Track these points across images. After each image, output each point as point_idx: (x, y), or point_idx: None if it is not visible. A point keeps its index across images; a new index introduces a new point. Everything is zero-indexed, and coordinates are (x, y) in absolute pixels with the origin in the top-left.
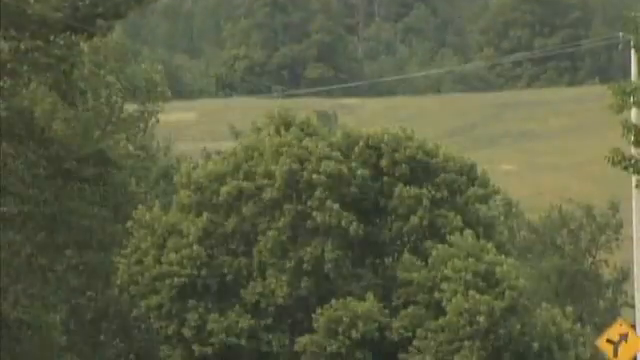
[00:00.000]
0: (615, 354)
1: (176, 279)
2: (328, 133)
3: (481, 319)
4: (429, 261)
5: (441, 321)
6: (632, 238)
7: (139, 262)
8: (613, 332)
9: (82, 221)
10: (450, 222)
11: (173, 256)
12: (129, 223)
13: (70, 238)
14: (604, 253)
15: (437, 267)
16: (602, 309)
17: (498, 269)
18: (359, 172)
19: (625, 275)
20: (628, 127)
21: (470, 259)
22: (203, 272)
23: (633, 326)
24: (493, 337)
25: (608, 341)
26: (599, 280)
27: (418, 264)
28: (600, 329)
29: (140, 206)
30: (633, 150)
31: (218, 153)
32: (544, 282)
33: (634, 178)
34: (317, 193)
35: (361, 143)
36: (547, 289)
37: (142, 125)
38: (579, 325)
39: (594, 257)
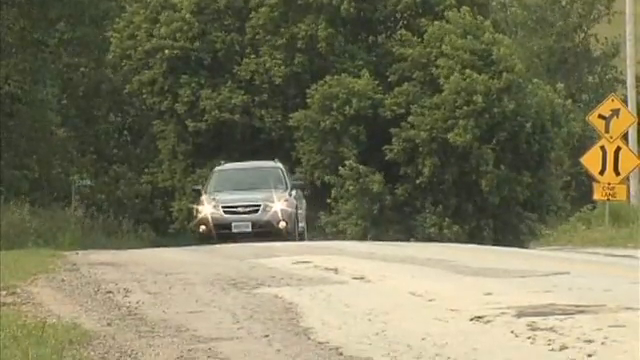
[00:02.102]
0: (607, 130)
1: (168, 51)
2: None
3: (478, 98)
4: (425, 38)
5: (436, 99)
6: (624, 12)
7: (132, 36)
8: (605, 108)
9: None
10: (442, 2)
11: (166, 29)
12: None
13: (63, 12)
14: (594, 28)
15: (433, 43)
16: (591, 85)
17: (495, 49)
18: None
19: (615, 50)
20: None
21: (468, 37)
22: (196, 45)
23: (624, 102)
24: (488, 116)
25: (600, 117)
26: (589, 56)
27: (414, 40)
28: (589, 105)
29: None
30: None
31: None
32: (535, 59)
33: None
34: None
35: None
36: (538, 66)
37: None
38: (570, 101)
39: (585, 32)
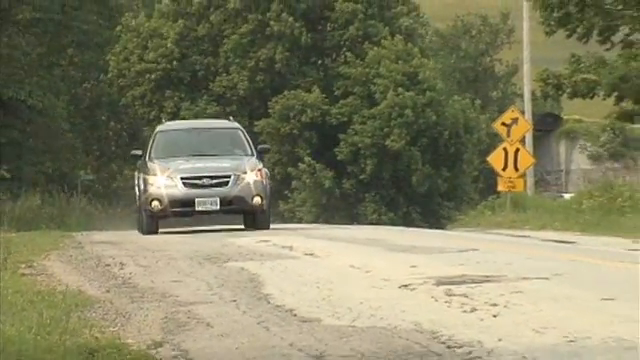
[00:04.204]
0: (508, 134)
1: (155, 73)
2: None
3: (408, 111)
4: (365, 61)
5: (374, 110)
6: (522, 41)
7: (126, 59)
8: (507, 117)
9: (82, 26)
10: (380, 31)
11: (153, 54)
12: (118, 27)
13: (72, 40)
14: (498, 54)
15: (372, 66)
16: (496, 98)
17: (421, 71)
18: None
19: (515, 70)
20: None
21: (399, 61)
22: (178, 66)
23: (522, 112)
24: (415, 125)
25: (503, 124)
26: (494, 75)
27: (356, 62)
28: (494, 116)
29: (128, 14)
30: None
31: None
32: (450, 78)
33: None
34: (274, 6)
35: None
36: (453, 84)
37: None
38: (483, 116)
39: (491, 56)
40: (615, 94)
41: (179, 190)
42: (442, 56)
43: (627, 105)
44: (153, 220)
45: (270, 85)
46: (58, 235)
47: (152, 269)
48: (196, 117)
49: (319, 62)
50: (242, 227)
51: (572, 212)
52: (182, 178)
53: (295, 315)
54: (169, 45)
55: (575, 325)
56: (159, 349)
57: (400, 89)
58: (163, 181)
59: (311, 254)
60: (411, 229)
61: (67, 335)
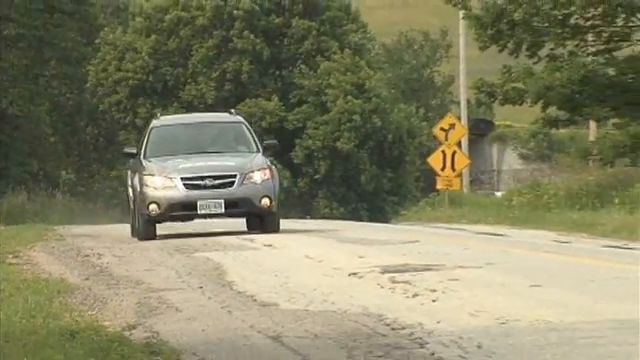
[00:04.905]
0: (446, 138)
1: (130, 82)
2: None
3: (356, 117)
4: (317, 72)
5: (326, 117)
6: (459, 55)
7: (104, 70)
8: (445, 122)
9: (63, 43)
10: (331, 46)
11: (129, 65)
12: (98, 41)
13: (54, 54)
14: (437, 66)
15: (324, 77)
16: (435, 106)
17: (368, 82)
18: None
19: (452, 80)
20: None
21: (348, 73)
22: (151, 76)
23: (458, 118)
24: (363, 130)
25: (441, 129)
26: (433, 85)
27: (309, 74)
28: (434, 122)
29: (106, 29)
30: None
31: None
32: (395, 88)
33: (461, 13)
34: (237, 24)
35: None
36: (398, 93)
37: None
38: (425, 123)
39: (430, 68)
40: (541, 102)
41: (179, 192)
42: (387, 68)
43: (552, 112)
44: (150, 225)
45: (235, 94)
46: (42, 229)
47: (127, 259)
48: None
49: (277, 73)
50: (245, 230)
51: (503, 208)
52: (182, 179)
53: (255, 300)
54: (143, 57)
55: (506, 309)
56: (133, 331)
57: (349, 97)
58: (161, 182)
59: (270, 245)
60: (360, 223)
61: (50, 318)
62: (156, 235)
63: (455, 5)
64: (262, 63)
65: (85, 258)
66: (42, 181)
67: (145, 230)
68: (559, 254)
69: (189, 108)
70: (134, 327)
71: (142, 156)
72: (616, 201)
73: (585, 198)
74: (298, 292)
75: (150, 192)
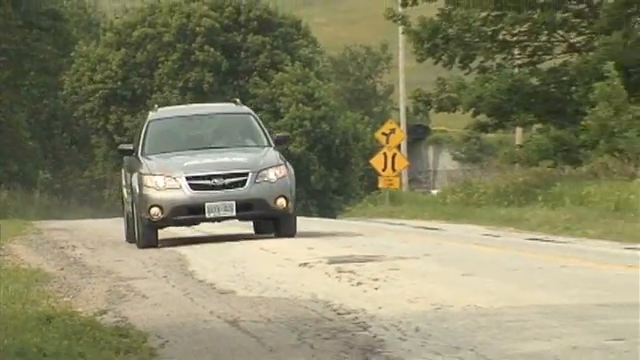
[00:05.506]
0: (387, 142)
1: (102, 91)
2: None
3: (307, 123)
4: (272, 83)
5: (279, 123)
6: (398, 66)
7: (78, 80)
8: (386, 128)
9: (40, 55)
10: (284, 59)
11: (101, 76)
12: (72, 53)
13: (33, 66)
14: (379, 77)
15: (277, 87)
16: (376, 113)
17: (317, 91)
18: (225, 22)
19: (392, 90)
20: None
21: (299, 83)
22: (120, 87)
23: (398, 124)
24: (313, 134)
25: (383, 134)
26: (375, 94)
27: (264, 84)
28: (376, 127)
29: (80, 42)
30: (400, 9)
31: (131, 9)
32: (342, 97)
33: (401, 28)
34: (199, 39)
35: (230, 7)
36: (343, 101)
37: None
38: (369, 129)
39: (373, 79)
40: (473, 109)
41: (184, 193)
42: (334, 79)
43: (482, 118)
44: (152, 231)
45: (196, 102)
46: (21, 223)
47: (98, 251)
48: (136, 127)
49: (235, 83)
50: (252, 233)
51: (438, 205)
52: (188, 178)
53: (214, 288)
54: (113, 69)
55: (441, 296)
56: (104, 316)
57: (300, 105)
58: (163, 182)
59: (229, 238)
60: (309, 218)
61: (28, 305)
62: (158, 242)
63: (395, 21)
64: (221, 74)
65: (60, 250)
66: (21, 180)
67: (146, 236)
68: (488, 246)
69: None
70: (105, 312)
71: (140, 153)
72: (539, 198)
73: (512, 196)
74: (254, 281)
75: (151, 194)
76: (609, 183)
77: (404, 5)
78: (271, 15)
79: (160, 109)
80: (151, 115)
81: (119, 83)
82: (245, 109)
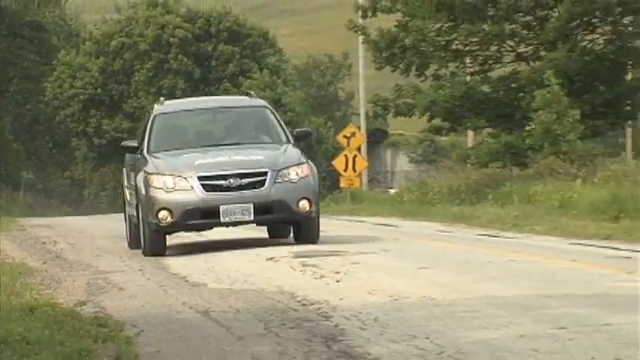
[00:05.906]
0: (348, 144)
1: (82, 96)
2: (179, 9)
3: None
4: (241, 89)
5: None
6: (359, 73)
7: (60, 86)
8: (347, 131)
9: (24, 63)
10: (252, 67)
11: (81, 82)
12: (54, 61)
13: (17, 73)
14: (341, 83)
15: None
16: (338, 117)
17: (284, 97)
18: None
19: (352, 96)
20: (357, 6)
21: (267, 90)
22: (99, 92)
23: (359, 127)
24: None
25: (344, 137)
26: (337, 100)
27: (233, 91)
28: (338, 131)
29: (62, 51)
30: (360, 20)
31: (110, 20)
32: (305, 102)
33: (361, 38)
34: (173, 49)
35: (201, 18)
36: (308, 107)
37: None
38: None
39: (335, 85)
40: (428, 114)
41: (197, 195)
42: (299, 86)
43: (436, 122)
44: (160, 236)
45: None
46: (6, 221)
47: (78, 246)
48: (114, 130)
49: (206, 90)
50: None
51: (396, 203)
52: (200, 178)
53: (187, 281)
54: (93, 76)
55: (398, 288)
56: (83, 307)
57: None
58: (173, 183)
59: (200, 234)
60: None
61: (13, 296)
62: (166, 249)
63: (356, 32)
64: (194, 82)
65: (43, 245)
66: (6, 181)
67: (153, 243)
68: (442, 241)
69: (131, 117)
70: (84, 303)
71: (145, 150)
72: (490, 197)
73: (464, 194)
74: (223, 274)
75: (159, 195)
76: (554, 183)
77: (364, 17)
78: (240, 26)
79: (167, 102)
80: (157, 108)
81: (98, 89)
82: (260, 102)
